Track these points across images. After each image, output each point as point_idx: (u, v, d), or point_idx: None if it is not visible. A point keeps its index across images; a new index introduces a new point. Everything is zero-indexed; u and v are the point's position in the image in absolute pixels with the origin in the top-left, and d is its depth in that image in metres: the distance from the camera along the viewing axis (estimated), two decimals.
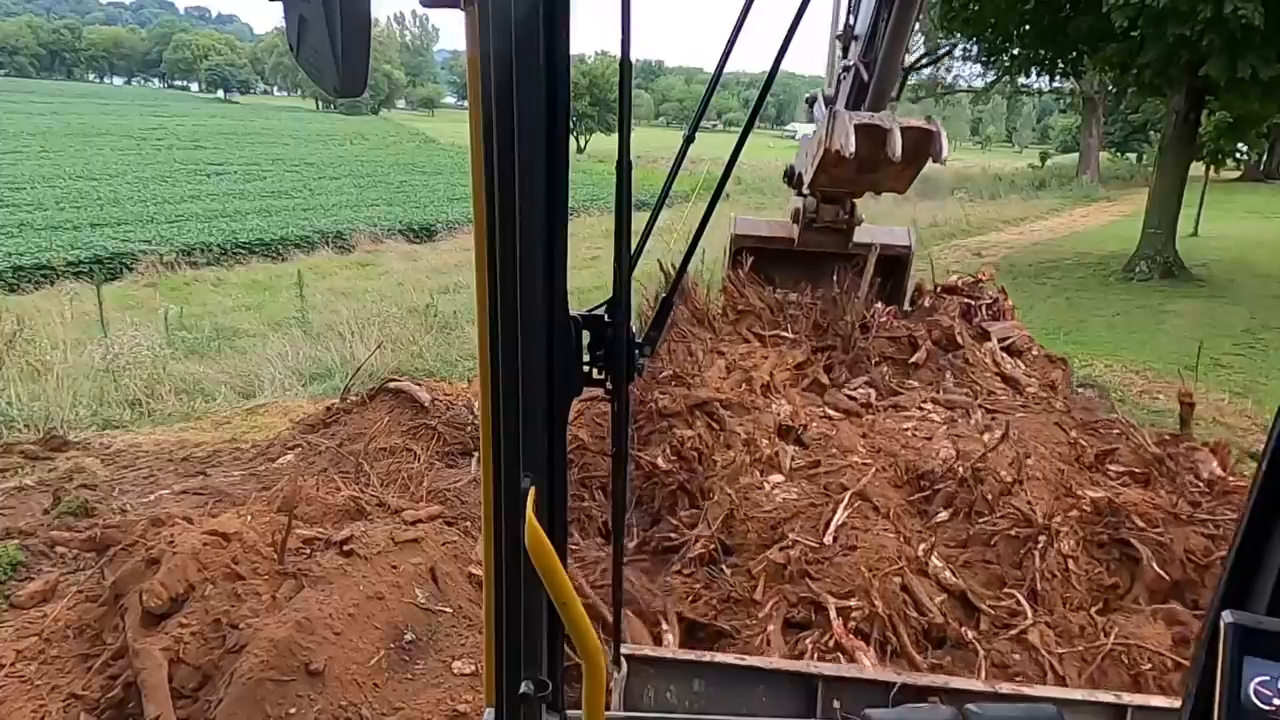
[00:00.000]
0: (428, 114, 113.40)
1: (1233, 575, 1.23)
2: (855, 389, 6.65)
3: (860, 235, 8.20)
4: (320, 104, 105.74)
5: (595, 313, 1.60)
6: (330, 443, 7.61)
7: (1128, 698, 3.20)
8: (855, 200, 7.92)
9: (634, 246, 1.65)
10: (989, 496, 4.99)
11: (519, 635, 1.69)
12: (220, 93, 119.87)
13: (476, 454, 6.92)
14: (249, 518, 4.39)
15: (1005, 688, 3.19)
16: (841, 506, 4.81)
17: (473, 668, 3.97)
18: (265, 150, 54.19)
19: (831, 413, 6.20)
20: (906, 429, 5.85)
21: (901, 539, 4.68)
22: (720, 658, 3.31)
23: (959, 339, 7.09)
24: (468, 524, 5.26)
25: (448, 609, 4.36)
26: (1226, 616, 1.14)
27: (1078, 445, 5.84)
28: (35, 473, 7.90)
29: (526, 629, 1.69)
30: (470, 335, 14.07)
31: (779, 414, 5.78)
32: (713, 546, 4.82)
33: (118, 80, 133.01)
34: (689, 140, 1.76)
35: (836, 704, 3.12)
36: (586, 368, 1.61)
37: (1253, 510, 1.20)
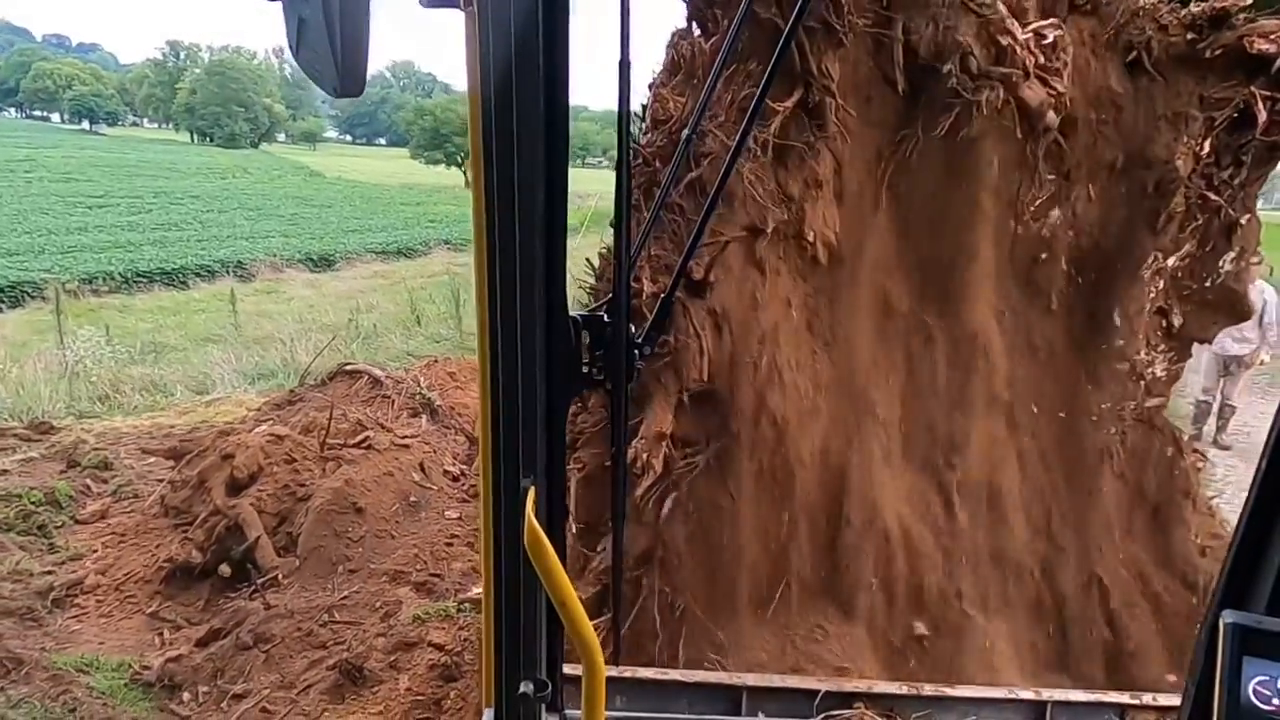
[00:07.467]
0: (309, 148, 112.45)
1: (1232, 575, 1.17)
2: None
3: None
4: (195, 137, 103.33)
5: (595, 313, 1.62)
6: (299, 416, 9.36)
7: (1046, 693, 3.17)
8: None
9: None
10: None
11: (518, 635, 1.69)
12: (86, 124, 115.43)
13: (425, 416, 8.87)
14: (290, 428, 6.27)
15: (929, 689, 3.15)
16: None
17: (458, 514, 5.96)
18: (146, 183, 53.35)
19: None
20: None
21: None
22: (642, 673, 3.12)
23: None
24: (437, 446, 7.24)
25: (433, 488, 6.35)
26: (1226, 616, 1.08)
27: None
28: (34, 450, 9.31)
29: (526, 629, 1.69)
30: (391, 344, 15.81)
31: None
32: None
33: None
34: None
35: (761, 714, 3.07)
36: (585, 368, 1.64)
37: (1252, 510, 1.14)
